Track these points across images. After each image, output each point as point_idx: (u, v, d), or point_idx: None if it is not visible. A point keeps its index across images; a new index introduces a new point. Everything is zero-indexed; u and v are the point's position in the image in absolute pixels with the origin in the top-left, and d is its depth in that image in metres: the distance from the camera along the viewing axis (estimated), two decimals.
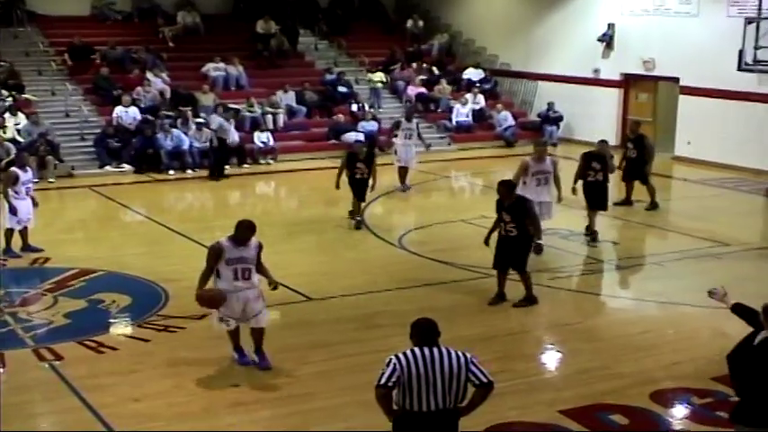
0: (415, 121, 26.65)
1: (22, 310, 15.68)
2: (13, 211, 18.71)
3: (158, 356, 13.66)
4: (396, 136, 26.28)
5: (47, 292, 16.76)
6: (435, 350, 8.37)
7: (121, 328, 14.98)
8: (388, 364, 8.29)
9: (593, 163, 20.16)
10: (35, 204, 19.34)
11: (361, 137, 31.73)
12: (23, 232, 19.11)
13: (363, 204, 21.99)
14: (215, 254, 12.68)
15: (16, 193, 18.78)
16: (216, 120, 29.44)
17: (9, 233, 19.01)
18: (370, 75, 36.13)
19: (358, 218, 21.57)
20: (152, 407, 11.84)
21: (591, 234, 20.16)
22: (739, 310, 9.80)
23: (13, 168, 19.30)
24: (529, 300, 15.96)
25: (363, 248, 20.13)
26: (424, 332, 8.50)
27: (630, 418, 11.55)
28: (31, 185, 19.24)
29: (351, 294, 16.69)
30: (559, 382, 13.18)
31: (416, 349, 8.38)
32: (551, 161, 19.17)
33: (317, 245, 20.26)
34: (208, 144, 29.28)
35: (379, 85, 35.75)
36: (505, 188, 15.85)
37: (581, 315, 16.02)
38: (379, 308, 16.00)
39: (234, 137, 29.89)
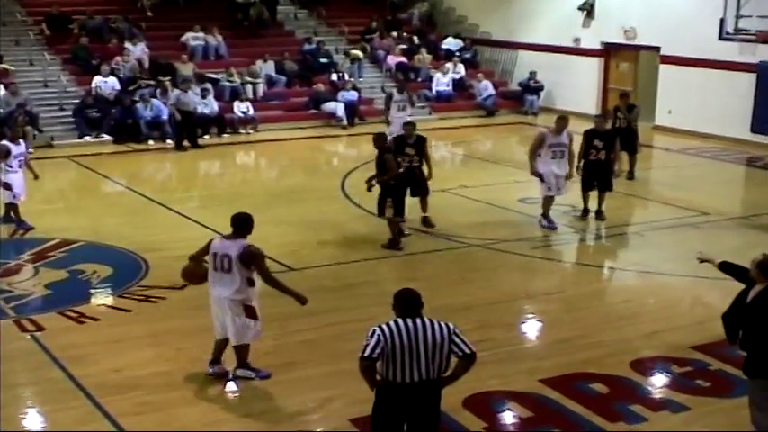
0: (406, 92, 26.52)
1: (2, 281, 15.64)
2: (6, 186, 18.63)
3: (139, 327, 13.68)
4: (389, 109, 26.10)
5: (27, 262, 16.74)
6: (419, 321, 8.37)
7: (102, 299, 14.98)
8: (371, 336, 8.30)
9: (595, 141, 19.29)
10: (35, 177, 19.31)
11: (341, 107, 31.77)
12: (15, 207, 18.96)
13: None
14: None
15: (9, 166, 18.64)
16: (173, 94, 29.34)
17: (10, 207, 18.93)
18: (352, 52, 35.87)
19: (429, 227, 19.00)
20: (133, 377, 11.84)
21: (599, 215, 19.60)
22: (727, 267, 9.94)
23: (4, 142, 19.11)
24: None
25: (344, 218, 20.09)
26: (407, 303, 8.51)
27: (610, 387, 11.60)
28: (22, 158, 19.00)
29: (332, 264, 16.73)
30: (540, 351, 13.24)
31: (400, 320, 8.38)
32: (568, 135, 18.83)
33: (297, 215, 20.20)
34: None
35: (360, 55, 35.60)
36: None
37: (562, 285, 16.09)
38: (361, 277, 16.05)
39: (213, 107, 29.98)
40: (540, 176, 18.57)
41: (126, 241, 17.78)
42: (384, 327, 8.32)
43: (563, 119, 18.92)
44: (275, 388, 11.43)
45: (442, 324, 8.42)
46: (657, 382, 11.98)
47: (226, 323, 11.32)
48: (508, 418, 10.91)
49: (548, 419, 10.80)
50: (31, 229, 18.77)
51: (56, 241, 17.79)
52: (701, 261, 10.46)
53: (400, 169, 17.53)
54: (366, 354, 8.25)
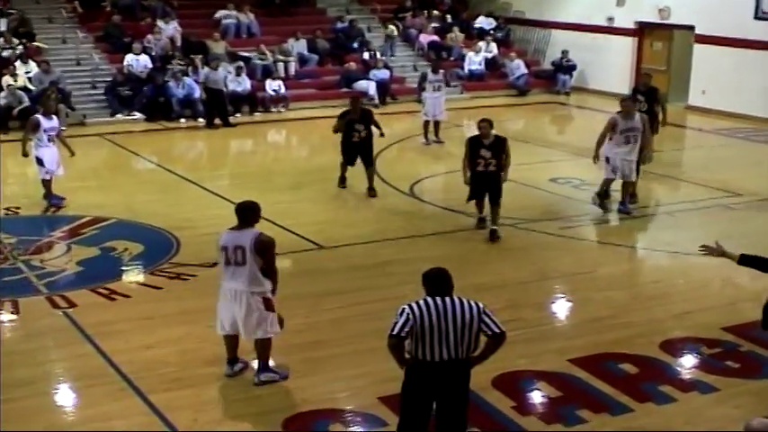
0: (441, 72, 26.45)
1: (35, 258, 15.77)
2: (39, 161, 18.72)
3: (170, 304, 13.77)
4: (423, 89, 26.01)
5: (60, 239, 16.85)
6: (448, 300, 8.36)
7: (134, 276, 15.09)
8: (400, 314, 8.30)
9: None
10: (72, 154, 19.44)
11: (373, 85, 31.76)
12: (46, 183, 19.06)
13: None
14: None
15: (39, 140, 18.72)
16: (202, 72, 29.42)
17: (45, 183, 19.02)
18: (384, 29, 35.86)
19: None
20: (164, 353, 11.93)
21: (633, 197, 19.23)
22: (748, 260, 9.84)
23: (36, 115, 19.12)
24: None
25: (375, 197, 20.09)
26: (437, 282, 8.51)
27: (639, 367, 11.58)
28: (54, 133, 18.98)
29: (362, 242, 16.75)
30: (569, 330, 13.25)
31: (429, 299, 8.38)
32: (641, 118, 18.46)
33: (328, 193, 20.20)
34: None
35: (394, 34, 35.56)
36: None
37: (592, 264, 16.03)
38: (391, 256, 16.05)
39: (245, 85, 30.06)
40: (606, 158, 18.31)
41: (157, 219, 17.88)
42: (413, 305, 8.31)
43: (628, 99, 18.65)
44: (304, 366, 11.45)
45: (472, 303, 8.41)
46: (687, 363, 11.96)
47: (239, 319, 10.92)
48: (537, 397, 10.92)
49: (576, 399, 10.79)
50: (62, 203, 18.96)
51: (88, 219, 17.90)
52: (705, 250, 10.30)
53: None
54: (395, 332, 8.26)
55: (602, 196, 18.63)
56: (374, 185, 20.13)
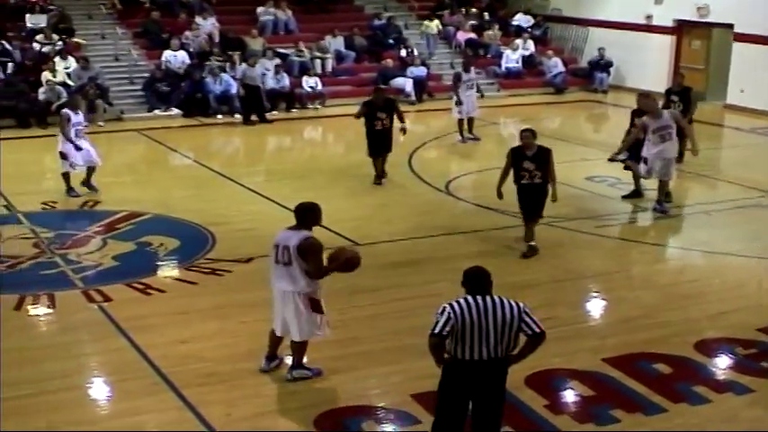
0: (473, 69, 26.44)
1: (72, 252, 15.87)
2: (62, 155, 18.99)
3: (205, 299, 13.81)
4: (458, 88, 26.00)
5: (96, 234, 16.95)
6: (488, 299, 8.36)
7: (169, 271, 15.16)
8: (441, 313, 8.28)
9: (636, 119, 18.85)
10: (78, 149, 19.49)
11: (410, 82, 31.77)
12: (67, 175, 19.40)
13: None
14: None
15: (64, 135, 19.05)
16: (240, 68, 29.49)
17: (66, 176, 19.31)
18: (426, 22, 35.86)
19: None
20: (198, 348, 11.97)
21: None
22: None
23: (65, 110, 19.49)
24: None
25: (410, 194, 20.13)
26: (477, 280, 8.49)
27: (673, 367, 11.52)
28: (80, 128, 19.33)
29: (397, 239, 16.77)
30: (603, 329, 13.20)
31: (470, 298, 8.37)
32: (671, 114, 18.40)
33: (364, 189, 20.25)
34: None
35: (435, 31, 35.54)
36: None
37: (627, 263, 16.02)
38: (426, 253, 16.04)
39: (284, 82, 30.12)
40: (644, 159, 18.23)
41: (193, 214, 17.95)
42: (454, 304, 8.30)
43: (645, 96, 18.62)
44: (338, 362, 11.46)
45: (512, 302, 8.40)
46: (721, 364, 11.89)
47: (289, 320, 10.85)
48: (570, 396, 10.89)
49: (609, 398, 10.75)
50: (79, 196, 19.20)
51: (124, 213, 17.99)
52: None
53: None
54: (436, 331, 8.24)
55: (634, 195, 18.59)
56: (385, 169, 20.67)
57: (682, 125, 18.32)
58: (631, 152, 18.89)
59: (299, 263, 10.59)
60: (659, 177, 18.33)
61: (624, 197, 19.32)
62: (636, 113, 18.96)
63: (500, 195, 15.80)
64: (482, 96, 28.27)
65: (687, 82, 23.00)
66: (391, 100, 21.14)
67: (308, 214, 10.82)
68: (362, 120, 20.46)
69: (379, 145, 20.53)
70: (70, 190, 19.33)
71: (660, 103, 19.91)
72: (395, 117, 20.60)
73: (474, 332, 8.23)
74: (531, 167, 15.38)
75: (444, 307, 8.32)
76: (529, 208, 15.69)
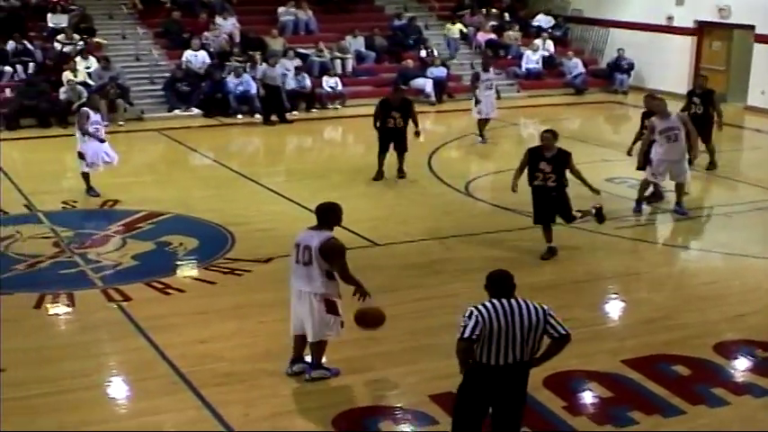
0: (492, 70, 26.41)
1: (91, 252, 15.93)
2: (80, 155, 19.08)
3: (224, 299, 13.85)
4: (477, 88, 25.98)
5: (116, 233, 17.00)
6: (513, 302, 8.29)
7: (188, 271, 15.19)
8: (469, 316, 8.19)
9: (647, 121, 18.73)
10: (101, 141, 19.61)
11: (430, 83, 31.77)
12: (87, 174, 19.44)
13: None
14: None
15: (82, 134, 19.09)
16: (260, 68, 29.54)
17: (86, 175, 19.36)
18: (448, 25, 35.82)
19: None
20: (217, 348, 12.00)
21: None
22: None
23: (85, 108, 19.54)
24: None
25: (430, 194, 20.13)
26: (501, 283, 8.43)
27: (692, 369, 11.50)
28: (99, 127, 19.37)
29: (416, 240, 16.77)
30: (622, 331, 13.18)
31: (495, 301, 8.29)
32: (678, 116, 18.31)
33: (383, 190, 20.28)
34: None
35: (457, 34, 35.50)
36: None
37: (646, 265, 15.97)
38: (444, 254, 16.05)
39: (305, 82, 30.18)
40: (650, 161, 18.23)
41: (213, 214, 17.98)
42: (481, 308, 8.22)
43: (654, 98, 18.60)
44: (355, 363, 11.47)
45: (537, 305, 8.35)
46: (740, 366, 11.86)
47: (304, 319, 10.89)
48: (588, 397, 10.88)
49: (628, 400, 10.73)
50: (98, 196, 19.30)
51: (144, 213, 18.04)
52: None
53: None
54: (466, 335, 8.14)
55: (642, 200, 18.50)
56: (404, 168, 20.93)
57: (688, 128, 18.23)
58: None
59: (320, 263, 10.59)
60: (673, 179, 18.30)
61: (649, 202, 19.16)
62: (646, 116, 18.92)
63: (515, 189, 15.66)
64: (499, 98, 28.21)
65: (708, 83, 22.80)
66: (408, 101, 21.26)
67: (329, 214, 10.85)
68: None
69: (387, 142, 20.80)
70: (90, 189, 19.39)
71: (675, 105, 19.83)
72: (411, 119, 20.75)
73: (501, 336, 8.16)
74: (546, 169, 15.19)
75: (471, 310, 8.23)
76: (543, 211, 15.56)
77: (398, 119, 20.61)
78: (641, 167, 18.71)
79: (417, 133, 21.02)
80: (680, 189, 18.39)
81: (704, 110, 21.47)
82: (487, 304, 8.25)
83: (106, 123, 20.07)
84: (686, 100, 22.12)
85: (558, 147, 15.31)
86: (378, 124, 20.86)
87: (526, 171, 15.57)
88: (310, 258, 10.61)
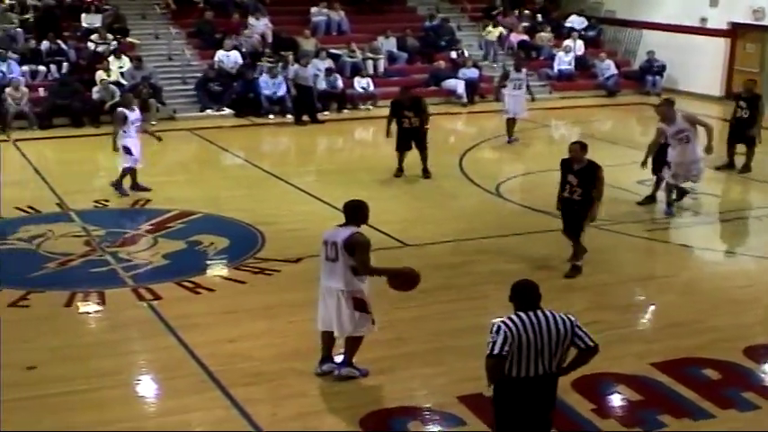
0: (524, 70, 26.38)
1: (122, 250, 16.00)
2: (128, 150, 19.15)
3: (254, 298, 13.89)
4: (504, 86, 25.97)
5: (147, 232, 17.06)
6: (541, 314, 8.17)
7: (218, 270, 15.24)
8: (497, 332, 8.04)
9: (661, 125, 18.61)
10: (159, 139, 20.00)
11: (461, 84, 31.74)
12: (134, 171, 19.54)
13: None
14: None
15: (125, 132, 19.16)
16: (292, 68, 29.57)
17: (126, 171, 19.47)
18: (488, 28, 35.71)
19: None
20: (246, 347, 12.04)
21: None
22: None
23: (121, 108, 19.64)
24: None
25: (460, 195, 20.14)
26: (526, 295, 8.29)
27: (722, 373, 11.44)
28: (139, 124, 19.57)
29: (446, 241, 16.76)
30: (652, 334, 13.14)
31: (522, 314, 8.16)
32: (683, 116, 18.20)
33: (414, 191, 20.28)
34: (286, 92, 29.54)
35: (495, 37, 35.40)
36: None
37: (676, 267, 15.89)
38: (473, 255, 16.02)
39: (337, 83, 30.14)
40: (668, 164, 18.18)
41: (243, 214, 18.03)
42: (508, 322, 8.09)
43: (664, 103, 18.56)
44: (383, 363, 11.47)
45: (564, 316, 8.24)
46: None
47: (332, 315, 10.89)
48: (617, 400, 10.86)
49: (657, 403, 10.69)
50: (148, 190, 19.40)
51: (175, 212, 18.10)
52: None
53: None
54: (495, 351, 8.01)
55: (671, 202, 18.41)
56: (428, 167, 21.13)
57: (701, 122, 18.31)
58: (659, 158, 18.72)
59: (345, 259, 10.65)
60: (690, 181, 18.28)
61: (639, 203, 19.10)
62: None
63: (559, 208, 15.10)
64: (533, 100, 28.16)
65: (738, 86, 22.66)
66: (418, 99, 21.66)
67: (356, 211, 10.94)
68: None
69: (405, 141, 21.17)
70: (135, 186, 19.56)
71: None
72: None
73: (530, 349, 8.06)
74: (573, 182, 14.54)
75: (499, 325, 8.08)
76: (566, 223, 15.03)
77: (412, 118, 20.95)
78: (655, 172, 18.73)
79: (426, 126, 21.35)
80: (672, 188, 18.43)
81: (750, 114, 21.39)
82: (514, 318, 8.13)
83: (153, 123, 20.13)
84: (734, 102, 22.05)
85: (589, 159, 14.60)
86: (389, 129, 21.36)
87: None
88: (336, 254, 10.69)
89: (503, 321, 8.10)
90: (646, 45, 36.07)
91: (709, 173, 20.47)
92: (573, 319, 8.28)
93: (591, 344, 8.28)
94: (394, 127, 21.29)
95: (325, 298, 10.95)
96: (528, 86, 26.66)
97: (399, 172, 21.27)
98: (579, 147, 14.59)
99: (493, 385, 8.35)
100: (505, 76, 26.00)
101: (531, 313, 8.15)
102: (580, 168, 14.48)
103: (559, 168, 14.87)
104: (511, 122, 25.54)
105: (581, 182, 14.45)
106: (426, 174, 21.15)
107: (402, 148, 21.22)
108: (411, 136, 21.03)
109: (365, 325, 10.96)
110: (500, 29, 35.67)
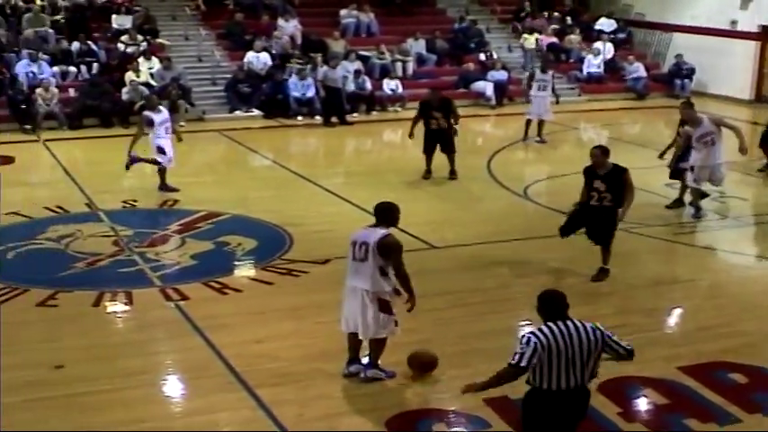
0: (550, 72, 26.36)
1: (150, 251, 16.06)
2: (161, 150, 19.26)
3: (281, 299, 13.92)
4: (530, 87, 26.03)
5: (175, 233, 17.12)
6: (571, 325, 8.08)
7: (246, 271, 15.28)
8: (526, 343, 7.97)
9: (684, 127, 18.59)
10: (179, 140, 19.94)
11: (490, 86, 31.71)
12: (162, 172, 19.56)
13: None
14: None
15: (156, 133, 19.25)
16: (321, 70, 29.63)
17: (163, 171, 19.58)
18: (525, 35, 35.54)
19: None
20: (273, 348, 12.07)
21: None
22: None
23: (146, 112, 19.68)
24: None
25: (488, 198, 20.13)
26: (554, 305, 8.23)
27: (750, 378, 11.38)
28: (168, 124, 19.61)
29: (473, 243, 16.72)
30: (679, 338, 13.08)
31: (552, 325, 8.07)
32: (710, 120, 18.07)
33: (442, 193, 20.27)
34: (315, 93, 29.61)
35: (533, 45, 35.27)
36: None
37: (704, 271, 15.84)
38: (501, 258, 15.97)
39: (366, 85, 30.17)
40: (691, 168, 18.13)
41: (271, 215, 18.06)
42: (539, 334, 8.01)
43: (686, 106, 18.51)
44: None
45: (594, 327, 8.18)
46: None
47: (357, 316, 10.88)
48: (643, 404, 10.82)
49: (683, 407, 10.66)
50: (176, 190, 19.45)
51: (203, 213, 18.15)
52: None
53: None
54: (523, 364, 7.97)
55: (698, 205, 18.35)
56: (455, 169, 21.12)
57: (727, 125, 18.23)
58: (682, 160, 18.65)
59: (376, 260, 10.65)
60: (710, 184, 18.25)
61: (668, 206, 19.02)
62: (683, 123, 18.77)
63: (572, 213, 14.89)
64: (557, 102, 28.08)
65: None
66: (447, 100, 21.49)
67: (387, 213, 10.97)
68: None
69: (433, 144, 21.11)
70: (165, 186, 19.66)
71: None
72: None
73: (561, 361, 7.99)
74: (601, 188, 14.15)
75: (529, 337, 8.01)
76: (594, 232, 14.58)
77: (440, 119, 20.88)
78: (675, 176, 18.68)
79: (454, 131, 21.22)
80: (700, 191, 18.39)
81: None
82: (544, 329, 8.05)
83: (182, 124, 20.17)
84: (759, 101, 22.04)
85: (614, 163, 14.35)
86: (412, 130, 21.36)
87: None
88: (366, 254, 10.69)
89: (533, 333, 8.04)
90: (675, 48, 35.94)
91: (736, 176, 20.45)
92: (604, 329, 8.22)
93: (629, 347, 8.34)
94: (417, 128, 21.26)
95: (350, 299, 10.96)
96: (553, 88, 26.65)
97: (427, 174, 21.23)
98: (600, 152, 14.31)
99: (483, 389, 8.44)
100: (532, 77, 26.04)
101: (560, 324, 8.08)
102: (606, 173, 14.16)
103: (583, 176, 14.54)
104: (529, 123, 25.62)
105: (609, 187, 14.11)
106: (453, 175, 21.14)
107: (428, 151, 21.17)
108: (437, 138, 20.97)
109: (388, 326, 10.96)
110: (535, 35, 35.48)
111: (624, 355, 8.30)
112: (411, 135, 21.40)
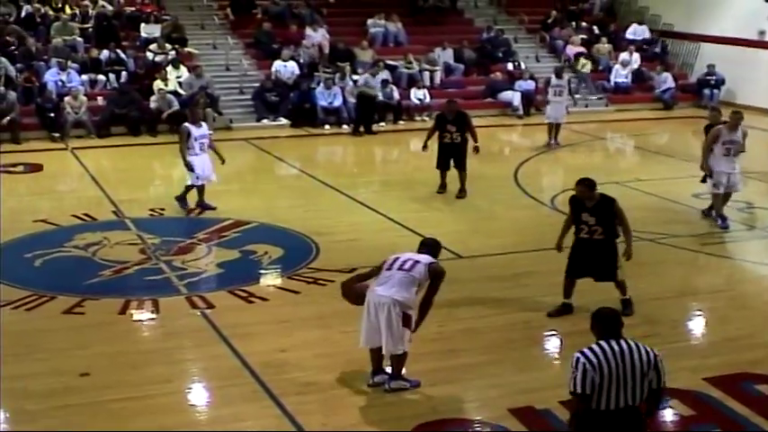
0: (566, 77, 26.37)
1: (177, 259, 16.09)
2: (189, 167, 18.78)
3: (307, 308, 13.91)
4: (547, 93, 26.17)
5: (201, 241, 17.16)
6: (624, 344, 7.92)
7: (272, 280, 15.30)
8: (575, 365, 7.81)
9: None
10: (222, 161, 19.36)
11: (517, 96, 31.70)
12: (200, 189, 19.15)
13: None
14: None
15: (189, 148, 18.70)
16: (362, 77, 29.74)
17: (188, 188, 19.09)
18: (582, 60, 35.03)
19: None
20: (298, 357, 12.06)
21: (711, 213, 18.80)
22: None
23: (185, 124, 19.08)
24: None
25: (515, 208, 20.06)
26: (609, 323, 8.05)
27: None
28: (205, 141, 18.98)
29: (500, 253, 16.70)
30: (705, 349, 13.01)
31: (604, 344, 7.91)
32: (743, 132, 18.07)
33: (469, 203, 20.20)
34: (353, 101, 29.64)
35: (588, 70, 34.79)
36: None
37: (732, 282, 15.79)
38: (528, 267, 15.94)
39: (394, 94, 30.19)
40: (710, 173, 18.12)
41: (298, 224, 18.07)
42: (588, 353, 7.85)
43: (737, 113, 18.45)
44: (436, 375, 11.46)
45: (647, 348, 8.00)
46: None
47: (381, 329, 10.76)
48: (669, 415, 10.74)
49: (709, 418, 10.64)
50: (213, 208, 19.17)
51: (230, 221, 18.19)
52: None
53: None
54: (578, 390, 7.78)
55: (722, 215, 18.27)
56: (465, 187, 20.51)
57: (743, 145, 18.09)
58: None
59: (421, 276, 10.83)
60: (727, 190, 18.18)
61: (704, 212, 19.00)
62: (709, 129, 18.66)
63: (559, 248, 13.78)
64: (575, 104, 28.06)
65: None
66: (463, 114, 20.77)
67: (434, 248, 11.41)
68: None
69: (445, 158, 20.52)
70: (201, 204, 19.17)
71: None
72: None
73: (612, 381, 7.80)
74: (590, 221, 13.19)
75: (578, 358, 7.85)
76: (590, 268, 13.38)
77: (455, 133, 20.20)
78: (706, 178, 18.66)
79: (476, 149, 20.49)
80: (720, 199, 18.29)
81: None
82: (595, 348, 7.89)
83: (210, 133, 19.86)
84: None
85: (601, 193, 13.38)
86: (426, 142, 20.66)
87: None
88: (413, 267, 10.83)
89: (581, 352, 7.89)
90: (703, 58, 35.81)
91: (764, 186, 20.35)
92: (656, 352, 8.04)
93: (664, 381, 8.06)
94: (431, 142, 20.69)
95: (373, 312, 10.86)
96: (570, 92, 26.72)
97: (441, 188, 20.66)
98: (586, 188, 13.34)
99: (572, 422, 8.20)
100: (547, 83, 26.15)
101: (613, 342, 7.92)
102: (594, 205, 13.23)
103: (569, 206, 13.75)
104: (551, 128, 25.73)
105: (599, 219, 13.21)
106: (462, 194, 20.44)
107: (441, 166, 20.59)
108: (451, 152, 20.37)
109: (406, 342, 10.94)
110: (589, 62, 34.89)
111: (656, 389, 8.07)
112: (425, 147, 20.76)
